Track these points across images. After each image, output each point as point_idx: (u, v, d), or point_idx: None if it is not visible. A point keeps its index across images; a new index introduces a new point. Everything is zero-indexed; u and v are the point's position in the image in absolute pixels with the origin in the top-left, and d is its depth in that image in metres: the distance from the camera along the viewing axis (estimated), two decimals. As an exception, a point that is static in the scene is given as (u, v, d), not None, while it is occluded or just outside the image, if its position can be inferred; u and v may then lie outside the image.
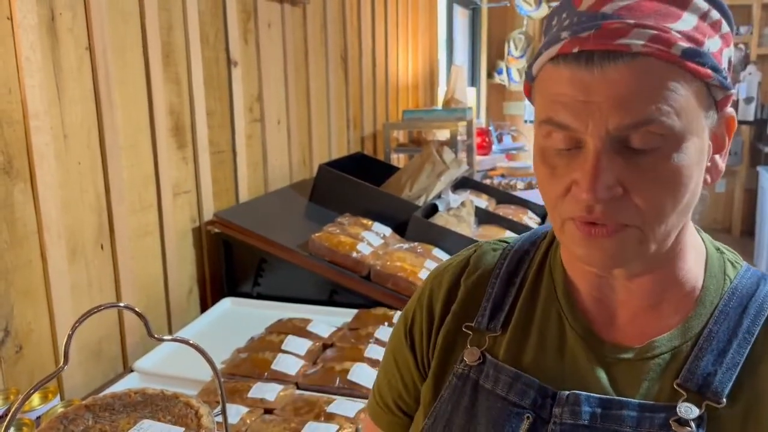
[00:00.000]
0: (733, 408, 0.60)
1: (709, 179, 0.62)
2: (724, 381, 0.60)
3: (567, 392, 0.64)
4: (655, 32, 0.55)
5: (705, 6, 0.58)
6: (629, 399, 0.62)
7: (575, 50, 0.56)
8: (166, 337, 0.75)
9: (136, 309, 0.71)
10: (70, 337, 0.67)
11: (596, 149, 0.56)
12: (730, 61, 0.61)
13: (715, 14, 0.59)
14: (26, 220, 1.30)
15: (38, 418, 0.99)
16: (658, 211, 0.58)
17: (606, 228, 0.58)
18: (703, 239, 0.69)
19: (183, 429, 0.75)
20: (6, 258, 1.25)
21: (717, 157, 0.63)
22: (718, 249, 0.69)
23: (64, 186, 1.38)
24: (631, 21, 0.55)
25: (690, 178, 0.58)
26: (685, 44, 0.55)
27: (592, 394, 0.63)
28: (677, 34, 0.55)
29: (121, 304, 0.72)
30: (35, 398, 1.03)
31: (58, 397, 1.00)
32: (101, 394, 0.81)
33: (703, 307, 0.65)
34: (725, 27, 0.60)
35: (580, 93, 0.56)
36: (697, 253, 0.67)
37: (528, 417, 0.64)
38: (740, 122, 5.13)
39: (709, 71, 0.56)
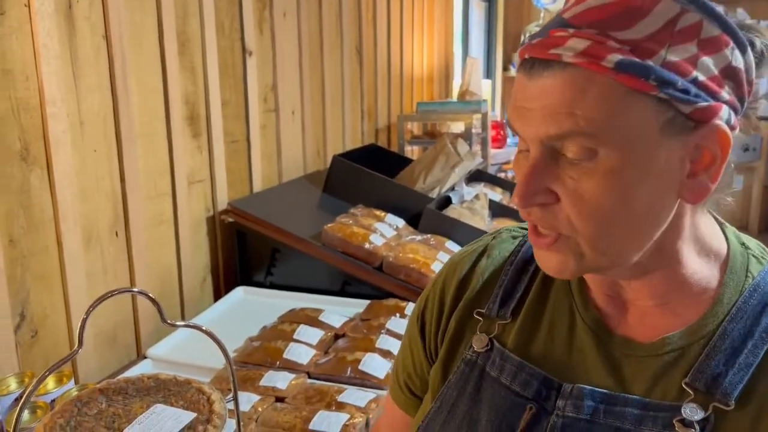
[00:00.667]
0: (743, 411, 0.57)
1: (690, 198, 0.58)
2: (735, 382, 0.58)
3: (571, 385, 0.63)
4: (591, 42, 0.53)
5: (674, 10, 0.54)
6: (633, 396, 0.61)
7: (526, 56, 0.57)
8: (179, 323, 0.75)
9: (150, 294, 0.71)
10: (84, 321, 0.68)
11: (533, 156, 0.58)
12: (727, 68, 0.56)
13: (692, 18, 0.54)
14: (43, 206, 1.31)
15: (53, 401, 1.00)
16: (589, 225, 0.57)
17: (545, 238, 0.60)
18: (726, 236, 0.67)
19: (195, 414, 0.75)
20: (23, 243, 1.27)
21: (703, 174, 0.58)
22: (743, 244, 0.67)
23: (80, 173, 1.39)
24: (573, 30, 0.54)
25: (631, 197, 0.56)
26: (620, 56, 0.52)
27: (596, 389, 0.62)
28: (617, 44, 0.53)
29: (135, 289, 0.72)
30: (50, 382, 1.04)
31: (73, 381, 1.01)
32: (115, 379, 0.82)
33: (720, 305, 0.62)
34: (709, 31, 0.55)
35: (523, 99, 0.57)
36: (710, 253, 0.64)
37: (530, 408, 0.64)
38: (759, 118, 5.04)
39: (651, 84, 0.52)
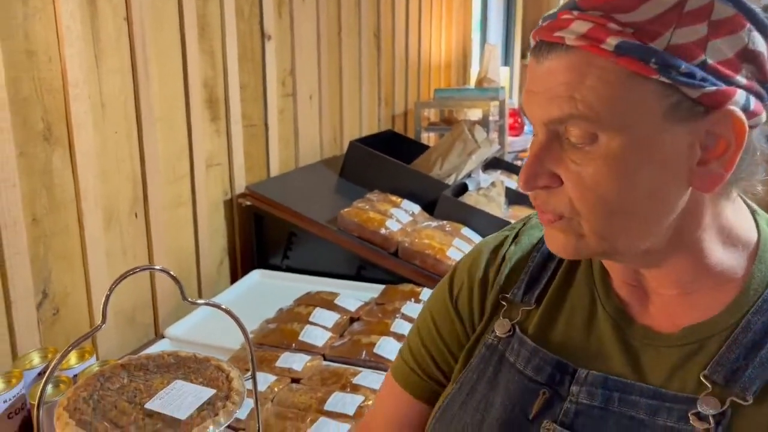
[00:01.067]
0: (761, 406, 0.55)
1: (701, 187, 0.56)
2: (754, 377, 0.56)
3: (586, 371, 0.63)
4: (593, 25, 0.52)
5: None
6: (649, 386, 0.60)
7: (536, 39, 0.57)
8: (199, 301, 0.76)
9: (171, 272, 0.73)
10: (107, 297, 0.69)
11: (538, 139, 0.58)
12: (745, 51, 0.53)
13: None
14: (64, 186, 1.33)
15: (75, 376, 1.02)
16: (590, 209, 0.56)
17: (547, 216, 0.60)
18: (758, 224, 0.64)
19: (214, 391, 0.76)
20: (45, 223, 1.29)
21: (715, 162, 0.55)
22: None
23: (101, 155, 1.41)
24: (579, 12, 0.54)
25: (633, 183, 0.54)
26: (621, 39, 0.51)
27: (611, 376, 0.62)
28: (619, 26, 0.52)
29: (157, 267, 0.73)
30: (72, 357, 1.06)
31: (94, 357, 1.03)
32: (136, 355, 0.84)
33: (746, 295, 0.60)
34: (722, 12, 0.52)
35: (531, 83, 0.57)
36: (737, 242, 0.61)
37: (544, 393, 0.64)
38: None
39: (652, 68, 0.51)
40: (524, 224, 0.77)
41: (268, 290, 1.80)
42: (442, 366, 0.76)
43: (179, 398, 0.75)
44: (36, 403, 0.65)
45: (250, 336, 1.44)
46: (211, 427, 0.71)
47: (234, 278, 1.94)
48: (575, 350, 0.65)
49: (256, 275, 1.88)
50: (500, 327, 0.70)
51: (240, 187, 1.96)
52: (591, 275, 0.69)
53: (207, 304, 0.78)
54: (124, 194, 1.50)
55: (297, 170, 2.25)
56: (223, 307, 0.78)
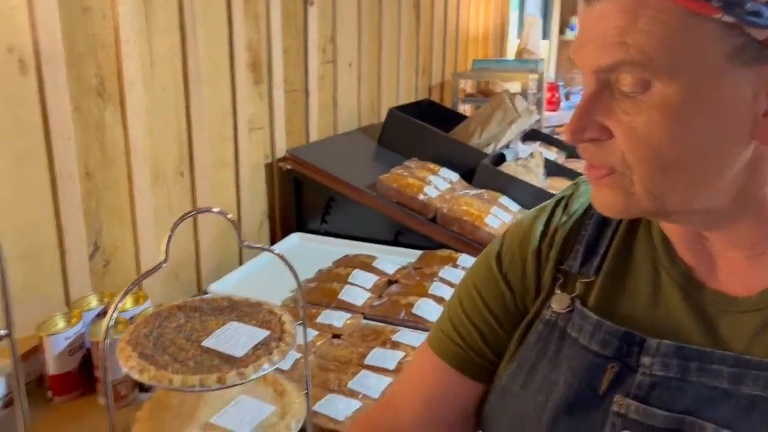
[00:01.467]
0: None
1: (766, 139, 0.52)
2: None
3: (656, 341, 0.59)
4: None
5: None
6: (730, 353, 0.56)
7: None
8: (255, 245, 0.79)
9: (229, 215, 0.75)
10: (170, 236, 0.72)
11: (588, 89, 0.54)
12: None
13: None
14: (116, 142, 1.36)
15: (131, 318, 1.06)
16: (642, 163, 0.53)
17: (597, 170, 0.56)
18: None
19: (268, 332, 0.79)
20: (97, 177, 1.33)
21: None
22: None
23: (150, 112, 1.44)
24: None
25: (690, 134, 0.51)
26: None
27: (686, 345, 0.58)
28: None
29: (215, 209, 0.76)
30: (128, 301, 1.10)
31: (149, 301, 1.07)
32: (191, 299, 0.87)
33: None
34: None
35: (581, 30, 0.54)
36: None
37: (612, 366, 0.60)
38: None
39: (713, 6, 0.47)
40: (572, 192, 0.72)
41: (307, 253, 1.83)
42: (489, 339, 0.70)
43: (234, 337, 0.78)
44: (103, 336, 0.68)
45: (290, 294, 1.48)
46: (266, 365, 0.74)
47: (273, 241, 1.98)
48: (642, 320, 0.61)
49: (295, 238, 1.91)
50: (558, 302, 0.65)
51: (280, 151, 1.98)
52: (651, 240, 0.65)
53: (262, 248, 0.81)
54: (171, 153, 1.53)
55: (335, 137, 2.27)
56: (277, 252, 0.81)
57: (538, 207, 0.74)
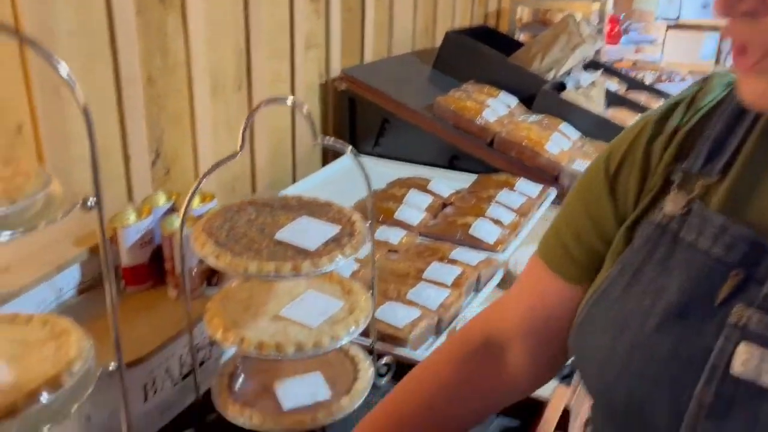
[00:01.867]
0: None
1: None
2: None
3: None
4: None
5: None
6: None
7: None
8: (327, 141, 0.77)
9: (305, 108, 0.74)
10: (246, 124, 0.71)
11: None
12: None
13: None
14: (177, 49, 1.35)
15: (200, 216, 1.07)
16: None
17: (749, 57, 0.49)
18: None
19: (339, 227, 0.79)
20: (159, 84, 1.33)
21: None
22: None
23: (210, 23, 1.42)
24: None
25: None
26: None
27: None
28: None
29: (289, 98, 0.74)
30: (195, 201, 1.11)
31: (216, 200, 1.08)
32: (260, 197, 0.87)
33: None
34: None
35: None
36: None
37: (737, 274, 0.54)
38: None
39: None
40: (701, 88, 0.65)
41: (360, 174, 1.82)
42: (588, 241, 0.66)
43: (306, 231, 0.78)
44: (181, 218, 0.69)
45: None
46: (339, 257, 0.74)
47: (326, 161, 1.97)
48: None
49: (348, 159, 1.89)
50: (672, 203, 0.59)
51: (335, 71, 1.95)
52: None
53: (333, 147, 0.80)
54: (230, 65, 1.52)
55: (389, 59, 2.22)
56: (351, 149, 0.79)
57: (657, 107, 0.67)
